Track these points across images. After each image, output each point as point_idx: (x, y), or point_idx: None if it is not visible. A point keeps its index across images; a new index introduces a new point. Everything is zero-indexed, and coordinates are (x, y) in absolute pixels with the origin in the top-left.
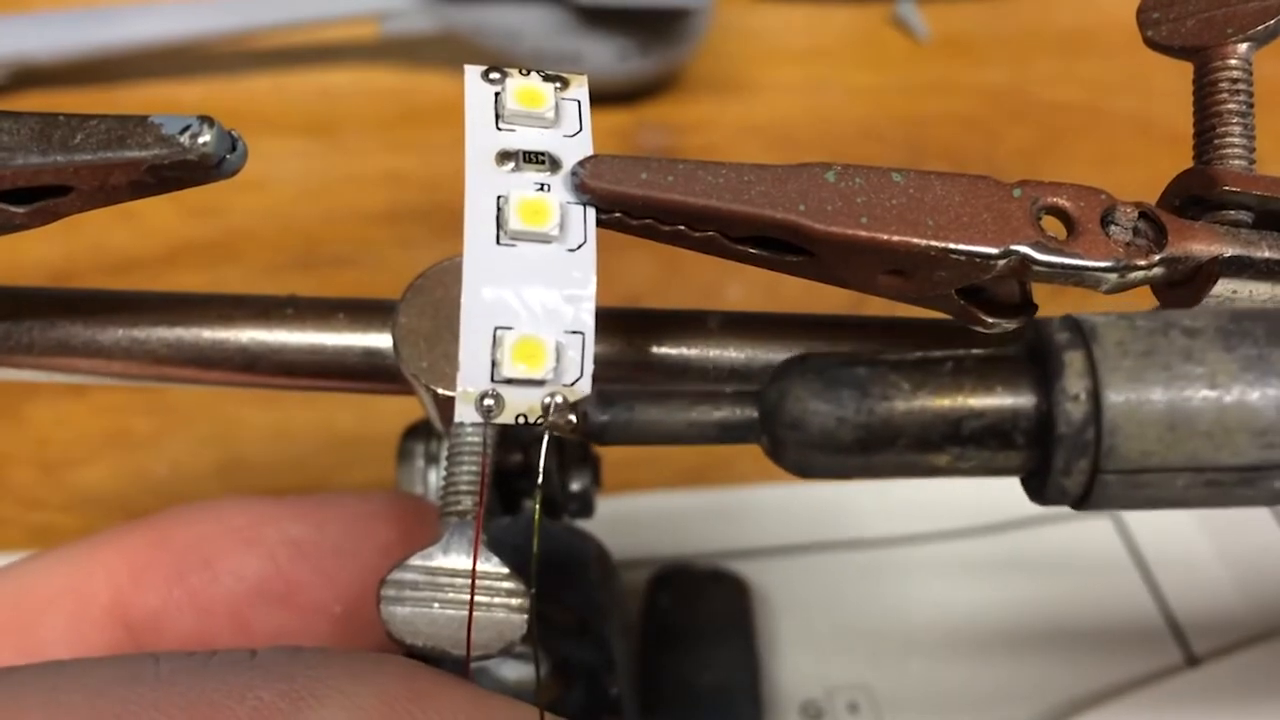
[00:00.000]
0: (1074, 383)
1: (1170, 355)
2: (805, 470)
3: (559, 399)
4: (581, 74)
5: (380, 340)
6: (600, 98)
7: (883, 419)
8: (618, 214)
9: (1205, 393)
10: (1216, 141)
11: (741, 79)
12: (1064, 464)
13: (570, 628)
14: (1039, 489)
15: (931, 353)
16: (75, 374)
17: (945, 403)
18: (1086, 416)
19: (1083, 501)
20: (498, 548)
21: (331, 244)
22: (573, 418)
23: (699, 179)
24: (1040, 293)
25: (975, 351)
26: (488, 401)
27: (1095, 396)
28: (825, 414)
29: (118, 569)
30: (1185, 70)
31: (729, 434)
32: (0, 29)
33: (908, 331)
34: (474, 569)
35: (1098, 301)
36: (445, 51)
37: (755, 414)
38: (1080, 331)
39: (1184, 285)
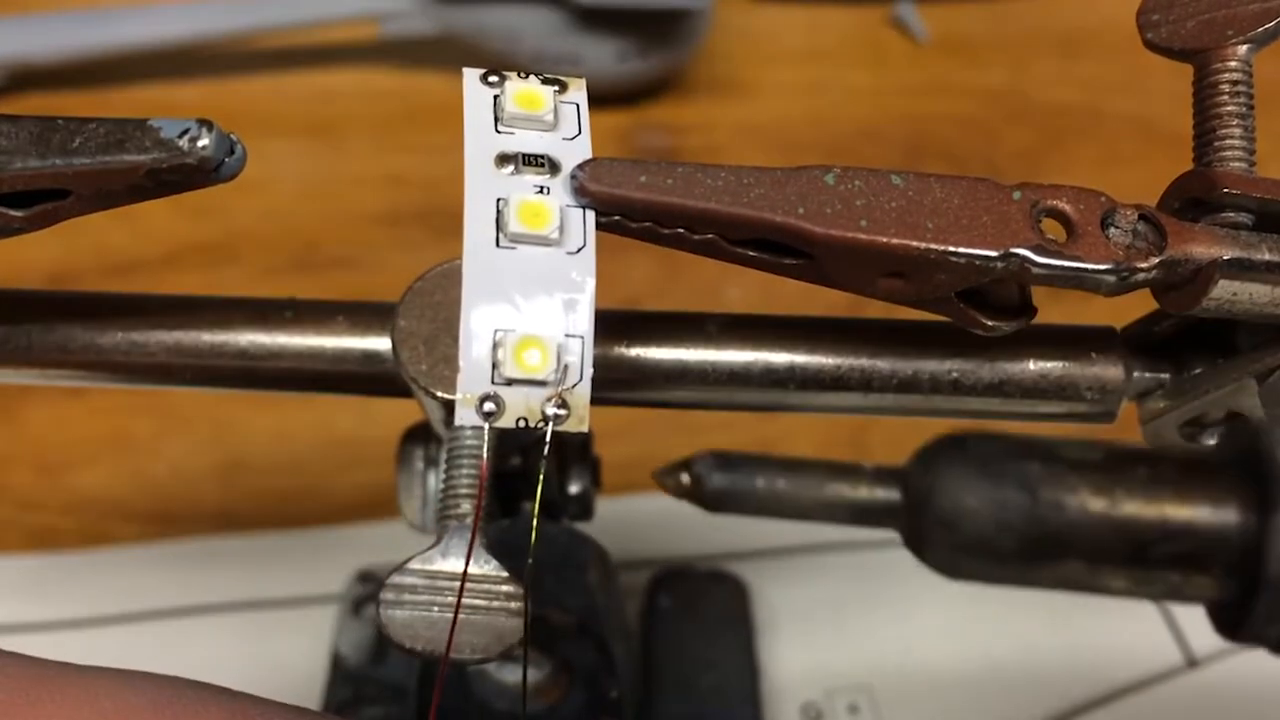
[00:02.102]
0: None
1: None
2: (952, 572)
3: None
4: (580, 77)
5: (379, 343)
6: (600, 99)
7: (1053, 531)
8: (617, 217)
9: None
10: (1216, 143)
11: (741, 80)
12: (1268, 611)
13: (570, 630)
14: (1229, 627)
15: (1119, 446)
16: (74, 377)
17: (1132, 517)
18: None
19: None
20: (497, 551)
21: (331, 245)
22: (685, 478)
23: (698, 182)
24: (1040, 294)
25: (1173, 456)
26: (488, 405)
27: None
28: (985, 517)
29: None
30: (1185, 71)
31: (864, 518)
32: (0, 29)
33: (908, 334)
34: (464, 572)
35: (1098, 304)
36: (445, 53)
37: (898, 496)
38: None
39: (1184, 287)
